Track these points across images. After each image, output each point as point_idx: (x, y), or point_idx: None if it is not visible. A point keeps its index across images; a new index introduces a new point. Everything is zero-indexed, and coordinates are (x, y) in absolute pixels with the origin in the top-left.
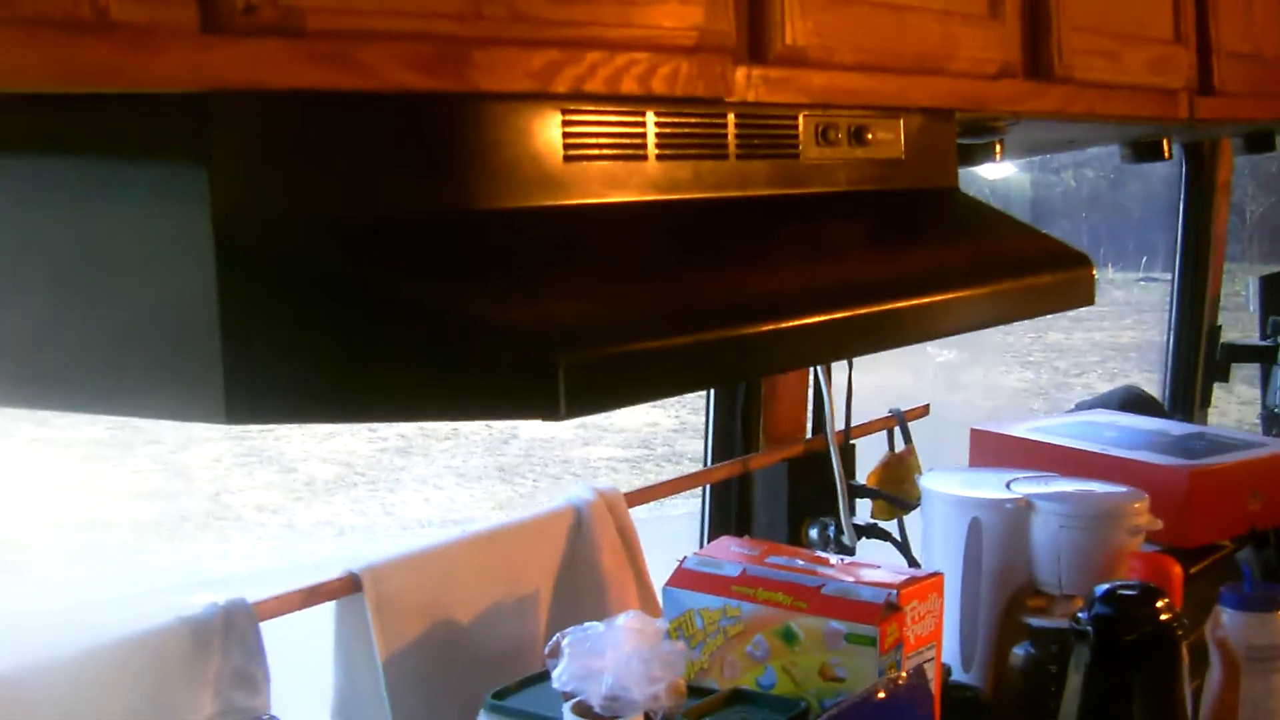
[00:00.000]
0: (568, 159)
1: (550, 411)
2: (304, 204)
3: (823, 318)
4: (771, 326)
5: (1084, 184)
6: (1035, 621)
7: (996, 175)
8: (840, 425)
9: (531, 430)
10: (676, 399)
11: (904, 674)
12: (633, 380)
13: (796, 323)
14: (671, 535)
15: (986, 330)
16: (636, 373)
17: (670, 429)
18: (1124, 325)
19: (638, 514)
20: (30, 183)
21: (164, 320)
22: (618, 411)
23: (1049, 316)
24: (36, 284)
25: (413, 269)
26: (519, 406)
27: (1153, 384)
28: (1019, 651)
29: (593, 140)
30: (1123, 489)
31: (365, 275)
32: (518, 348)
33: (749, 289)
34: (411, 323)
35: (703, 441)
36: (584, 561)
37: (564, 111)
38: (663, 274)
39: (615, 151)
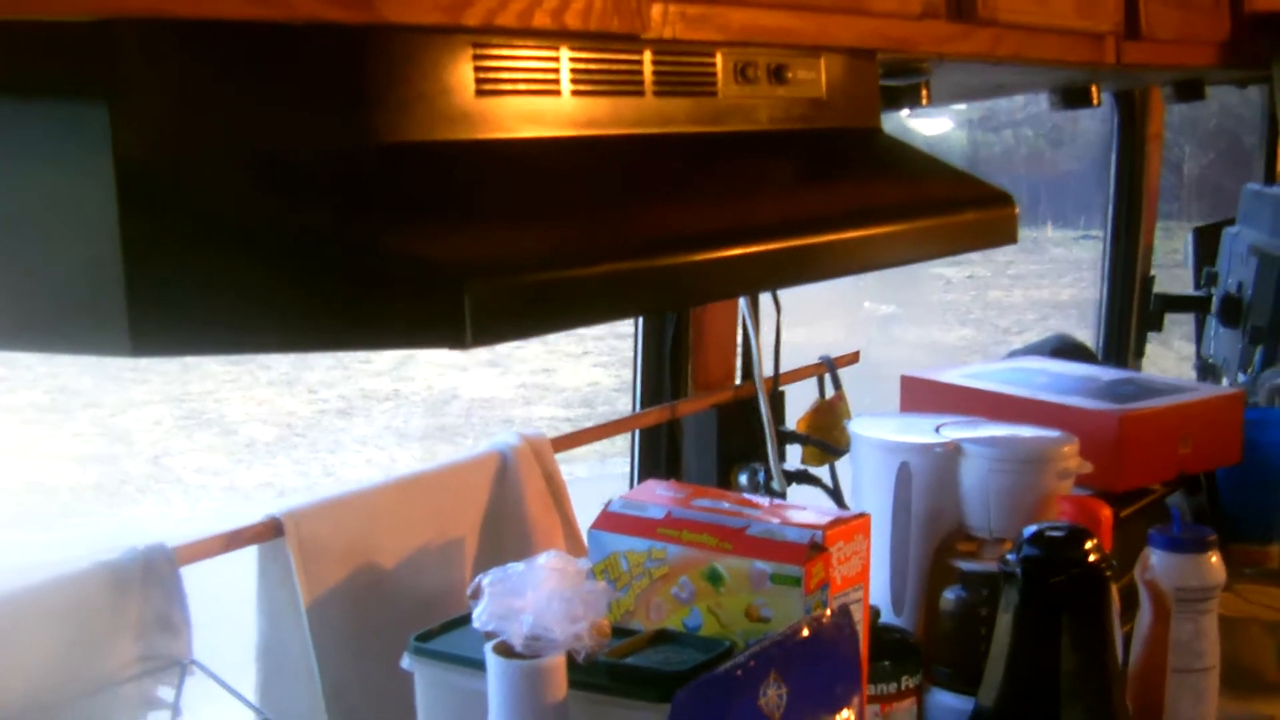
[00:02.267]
0: (480, 93)
1: (457, 339)
2: (209, 137)
3: (740, 250)
4: (685, 258)
5: (1023, 142)
6: (965, 565)
7: (934, 132)
8: (769, 372)
9: (472, 390)
10: (617, 359)
11: (828, 612)
12: (540, 309)
13: (712, 255)
14: (612, 493)
15: (926, 287)
16: (543, 302)
17: (611, 388)
18: (1063, 283)
19: (578, 472)
20: None
21: (68, 255)
22: (558, 371)
23: (989, 275)
24: None
25: (320, 201)
26: (426, 335)
27: (1091, 341)
28: (949, 595)
29: (505, 75)
30: (1052, 433)
31: (270, 207)
32: (424, 275)
33: (664, 222)
34: (318, 253)
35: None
36: (510, 506)
37: (475, 45)
38: (575, 207)
39: (528, 87)
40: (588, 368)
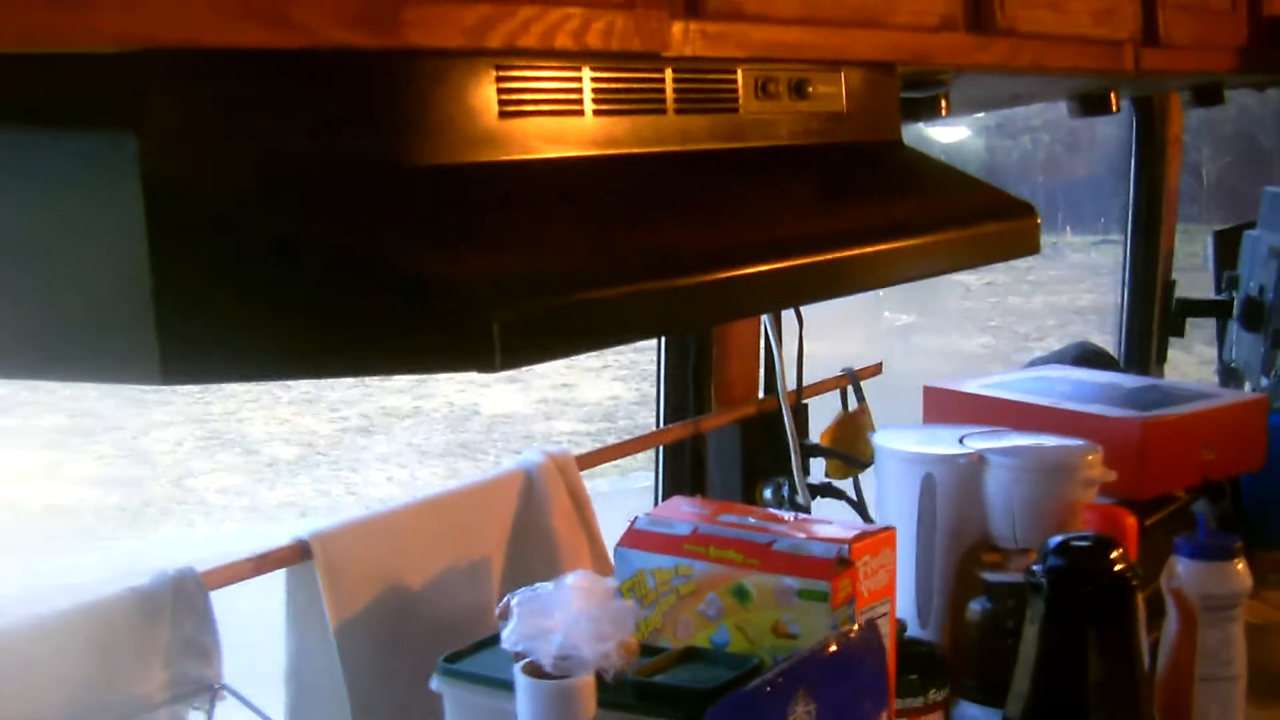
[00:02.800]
0: (503, 115)
1: (486, 363)
2: (236, 164)
3: (763, 268)
4: (709, 277)
5: (1040, 148)
6: (991, 576)
7: (951, 139)
8: (792, 385)
9: (493, 406)
10: (637, 372)
11: (856, 627)
12: (567, 331)
13: (735, 273)
14: (634, 508)
15: (945, 295)
16: (570, 324)
17: (631, 401)
18: (1083, 288)
19: (600, 486)
20: None
21: (98, 284)
22: (579, 385)
23: (1008, 281)
24: None
25: (347, 226)
26: (455, 359)
27: (1111, 346)
28: (975, 606)
29: (528, 96)
30: (1075, 441)
31: (299, 233)
32: (452, 300)
33: (687, 241)
34: (346, 279)
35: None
36: (536, 524)
37: (498, 68)
38: (600, 227)
39: (551, 108)
40: (608, 382)
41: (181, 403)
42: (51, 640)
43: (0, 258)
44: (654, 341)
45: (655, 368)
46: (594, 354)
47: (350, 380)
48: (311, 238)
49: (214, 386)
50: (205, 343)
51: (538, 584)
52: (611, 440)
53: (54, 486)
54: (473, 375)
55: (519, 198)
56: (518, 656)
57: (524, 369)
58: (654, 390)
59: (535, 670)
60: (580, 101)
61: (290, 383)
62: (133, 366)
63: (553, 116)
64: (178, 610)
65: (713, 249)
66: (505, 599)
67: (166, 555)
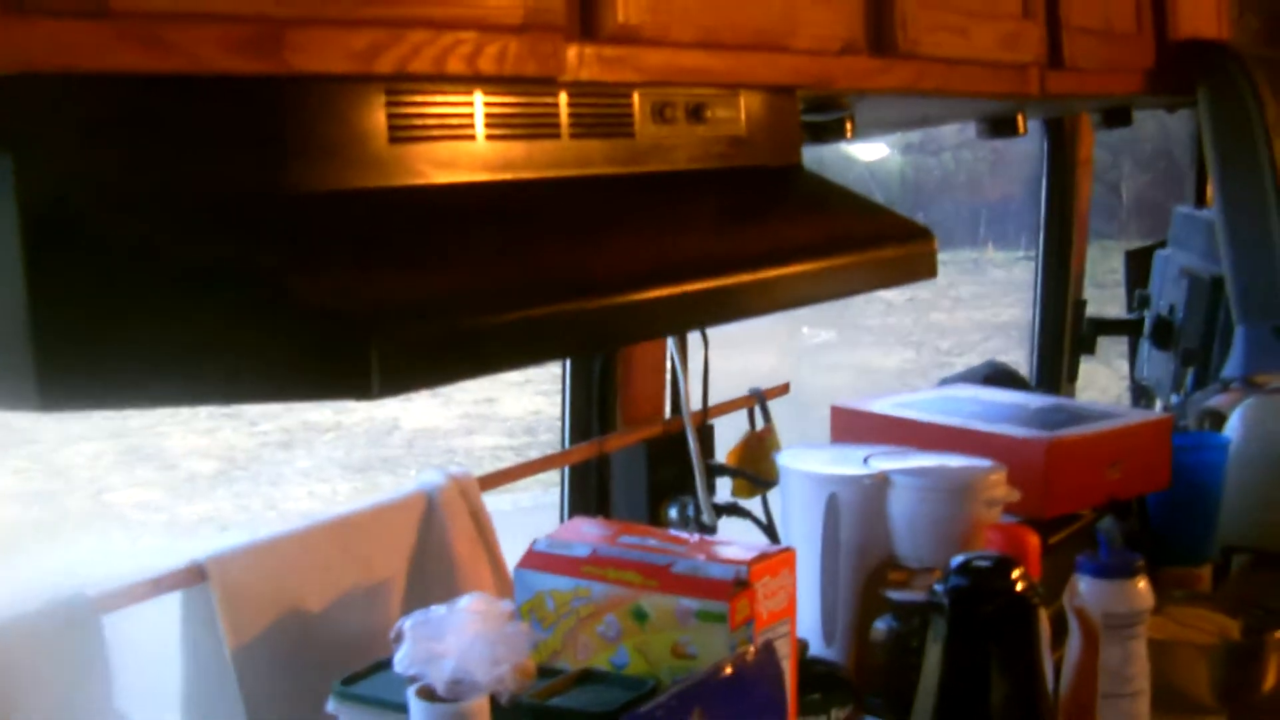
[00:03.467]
0: (393, 140)
1: (363, 390)
2: (117, 188)
3: (659, 293)
4: (601, 302)
5: (961, 165)
6: (895, 595)
7: (872, 157)
8: (697, 405)
9: (414, 420)
10: (560, 387)
11: (752, 648)
12: (450, 358)
13: (629, 298)
14: (550, 524)
15: (865, 311)
16: (453, 350)
17: (554, 416)
18: (1005, 304)
19: (521, 501)
20: None
21: None
22: (501, 400)
23: (930, 297)
24: None
25: (230, 252)
26: (333, 386)
27: (1025, 363)
28: (880, 626)
29: (419, 121)
30: (980, 461)
31: (178, 259)
32: (330, 327)
33: (579, 266)
34: (226, 304)
35: None
36: (437, 547)
37: (389, 92)
38: (490, 253)
39: (443, 133)
40: (530, 396)
41: (99, 417)
42: None
43: None
44: (563, 363)
45: (562, 388)
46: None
47: None
48: (192, 264)
49: None
50: (82, 369)
51: (432, 607)
52: (534, 454)
53: None
54: None
55: (408, 223)
56: (411, 680)
57: (433, 389)
58: (561, 412)
59: (428, 694)
60: (472, 126)
61: None
62: (10, 393)
63: (444, 141)
64: (70, 635)
65: (608, 273)
66: (400, 622)
67: (83, 570)
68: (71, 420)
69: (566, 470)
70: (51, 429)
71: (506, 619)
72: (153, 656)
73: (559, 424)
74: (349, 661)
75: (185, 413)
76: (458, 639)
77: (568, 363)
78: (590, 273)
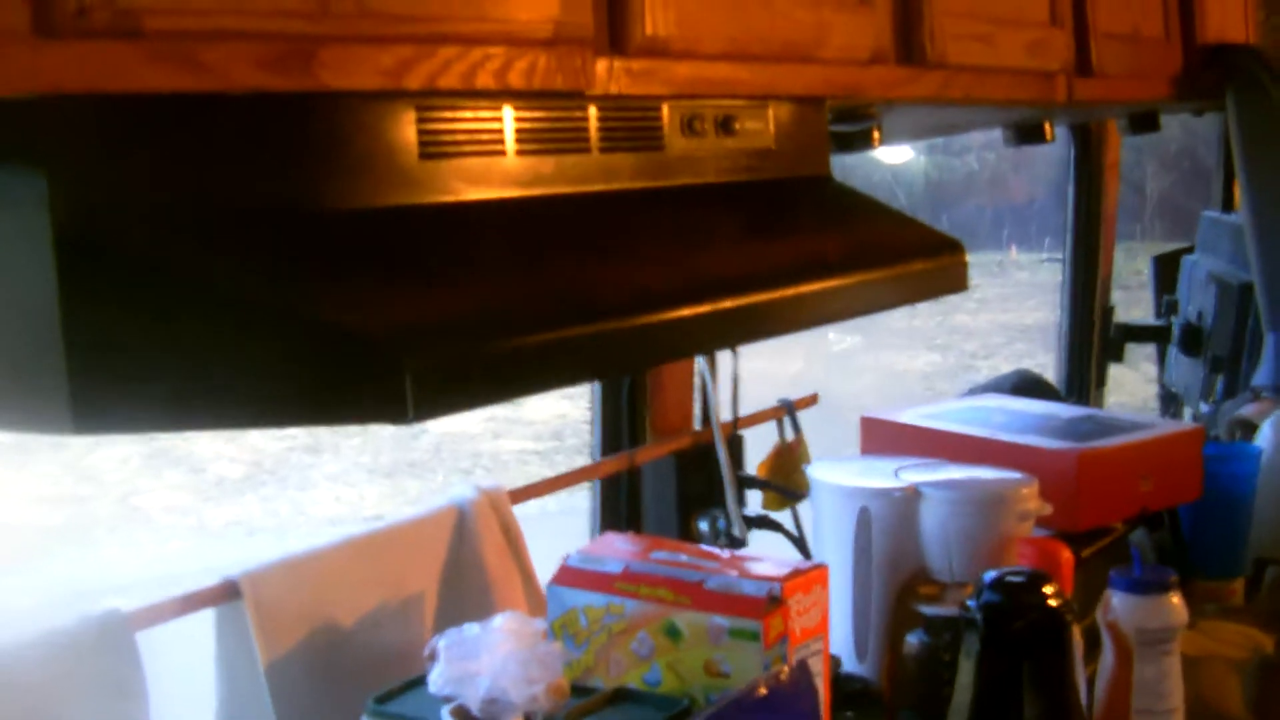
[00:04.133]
0: (424, 156)
1: (399, 415)
2: (152, 208)
3: (690, 311)
4: (634, 322)
5: (986, 167)
6: (927, 610)
7: (897, 160)
8: (727, 416)
9: (441, 425)
10: (586, 390)
11: (786, 668)
12: (485, 380)
13: (661, 317)
14: (577, 527)
15: (891, 314)
16: (488, 373)
17: (580, 420)
18: (1029, 306)
19: (548, 505)
20: None
21: (6, 330)
22: (527, 404)
23: (955, 299)
24: None
25: (262, 272)
26: (367, 411)
27: (1055, 365)
28: (912, 640)
29: (449, 137)
30: (1011, 474)
31: (212, 280)
32: (364, 350)
33: (612, 284)
34: (260, 327)
35: None
36: (468, 561)
37: (419, 108)
38: (522, 271)
39: (473, 148)
40: (556, 400)
41: None
42: None
43: None
44: None
45: (592, 402)
46: None
47: None
48: (226, 286)
49: None
50: (115, 392)
51: (465, 625)
52: (560, 459)
53: None
54: None
55: (439, 241)
56: (446, 699)
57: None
58: (590, 425)
59: (463, 714)
60: (502, 142)
61: None
62: (45, 416)
63: (475, 157)
64: (104, 652)
65: (638, 293)
66: (432, 641)
67: (112, 575)
68: None
69: (597, 483)
70: (72, 441)
71: (539, 638)
72: (188, 672)
73: (585, 428)
74: (382, 677)
75: None
76: (491, 658)
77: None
78: (622, 292)
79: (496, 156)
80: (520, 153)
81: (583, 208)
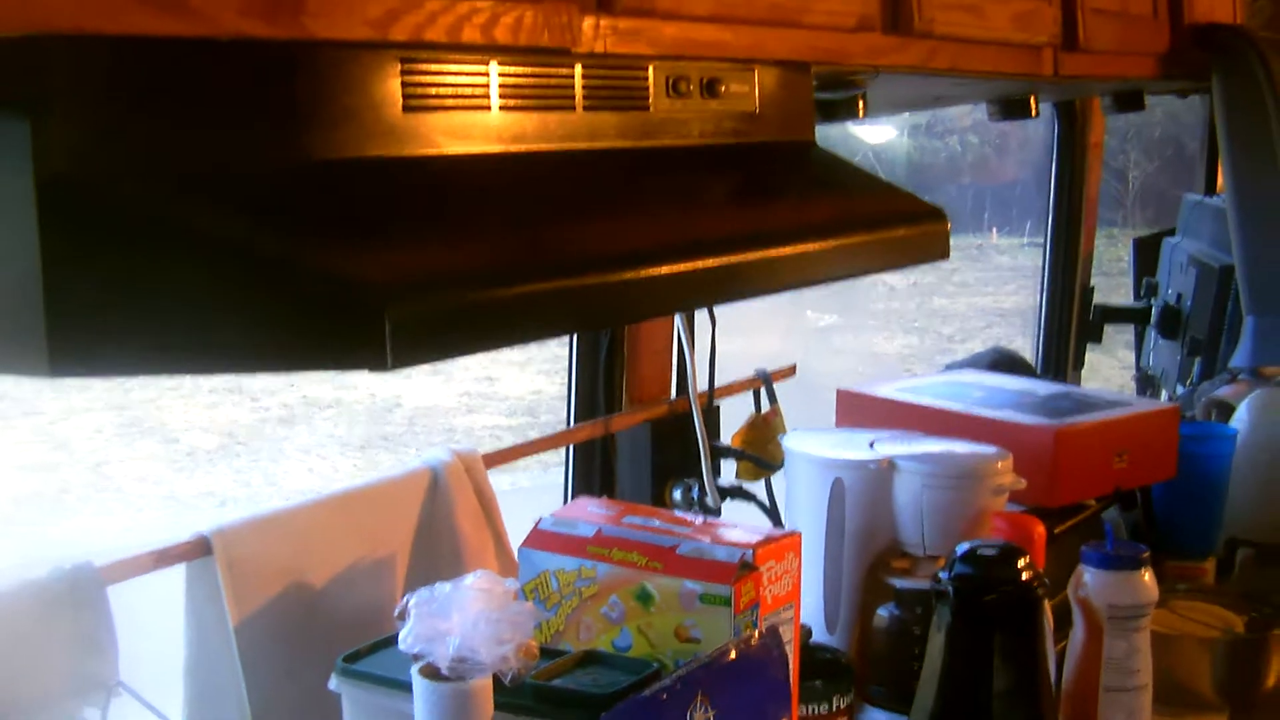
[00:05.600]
0: (407, 109)
1: (378, 362)
2: (134, 153)
3: (670, 268)
4: (612, 277)
5: (968, 149)
6: (899, 582)
7: (879, 140)
8: (703, 386)
9: (415, 399)
10: (561, 367)
11: (756, 633)
12: (464, 330)
13: (641, 273)
14: (552, 504)
15: (869, 296)
16: (467, 323)
17: (554, 396)
18: (1008, 290)
19: (520, 481)
20: None
21: None
22: (501, 379)
23: (933, 282)
24: None
25: (242, 219)
26: (347, 357)
27: (1031, 351)
28: (883, 613)
29: (434, 90)
30: (986, 448)
31: (193, 225)
32: (345, 297)
33: (593, 239)
34: (240, 272)
35: None
36: (442, 524)
37: (403, 60)
38: (503, 224)
39: (457, 102)
40: (531, 376)
41: (100, 389)
42: None
43: None
44: (569, 341)
45: (567, 367)
46: (517, 348)
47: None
48: (206, 230)
49: None
50: (94, 336)
51: (437, 584)
52: (534, 434)
53: None
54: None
55: (421, 193)
56: (415, 658)
57: (447, 362)
58: (566, 391)
59: (432, 672)
60: (487, 97)
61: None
62: (20, 358)
63: (459, 111)
64: (75, 604)
65: (619, 248)
66: (404, 599)
67: (84, 542)
68: (73, 392)
69: (571, 449)
70: (53, 401)
71: (511, 598)
72: (158, 628)
73: (559, 405)
74: (352, 637)
75: (187, 387)
76: (462, 617)
77: (574, 341)
78: (602, 247)
79: (480, 111)
80: (504, 108)
81: (566, 165)
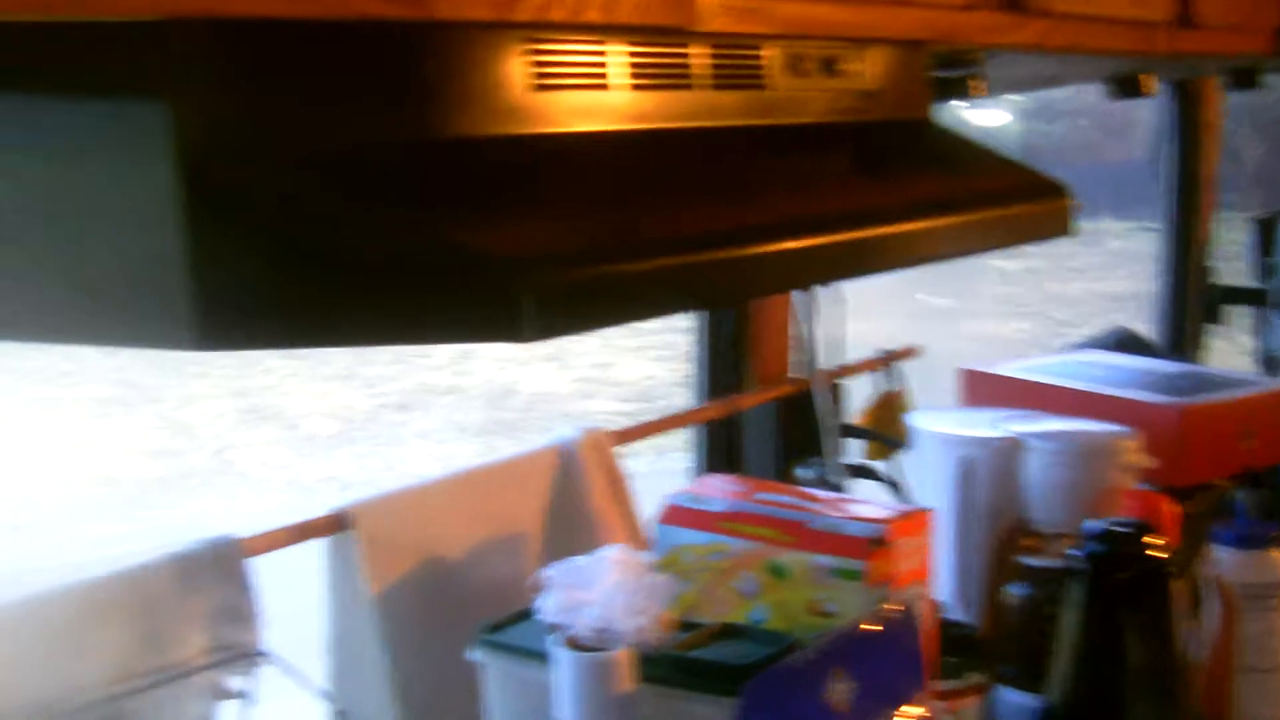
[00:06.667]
0: (534, 88)
1: (514, 334)
2: (267, 133)
3: (793, 244)
4: (738, 252)
5: (1078, 133)
6: (1029, 561)
7: (989, 123)
8: (829, 365)
9: (531, 385)
10: (675, 353)
11: (892, 608)
12: (597, 304)
13: (765, 248)
14: (669, 489)
15: (981, 280)
16: (601, 296)
17: (668, 382)
18: (1120, 275)
19: (637, 467)
20: None
21: (134, 251)
22: (616, 365)
23: (1047, 267)
24: None
25: (378, 196)
26: (485, 329)
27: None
28: (1014, 591)
29: (557, 70)
30: (1113, 426)
31: (330, 202)
32: (483, 270)
33: (718, 216)
34: (378, 247)
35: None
36: (572, 500)
37: (528, 40)
38: (630, 201)
39: (580, 81)
40: (645, 362)
41: (221, 376)
42: (93, 605)
43: (36, 223)
44: (692, 322)
45: (692, 347)
46: (630, 334)
47: (388, 356)
48: (343, 207)
49: (252, 359)
50: (238, 310)
51: (574, 557)
52: (648, 420)
53: (98, 456)
54: (512, 352)
55: (549, 171)
56: (555, 629)
57: (562, 348)
58: (691, 371)
59: (573, 642)
60: (609, 75)
61: (328, 358)
62: (168, 333)
63: (581, 90)
64: (217, 576)
65: (743, 224)
66: (542, 571)
67: (210, 525)
68: (194, 379)
69: (696, 430)
70: (175, 387)
71: (648, 570)
72: (298, 603)
73: (673, 391)
74: (487, 611)
75: (305, 373)
76: (601, 588)
77: (701, 322)
78: (730, 223)
79: (602, 91)
80: (625, 87)
81: (688, 143)
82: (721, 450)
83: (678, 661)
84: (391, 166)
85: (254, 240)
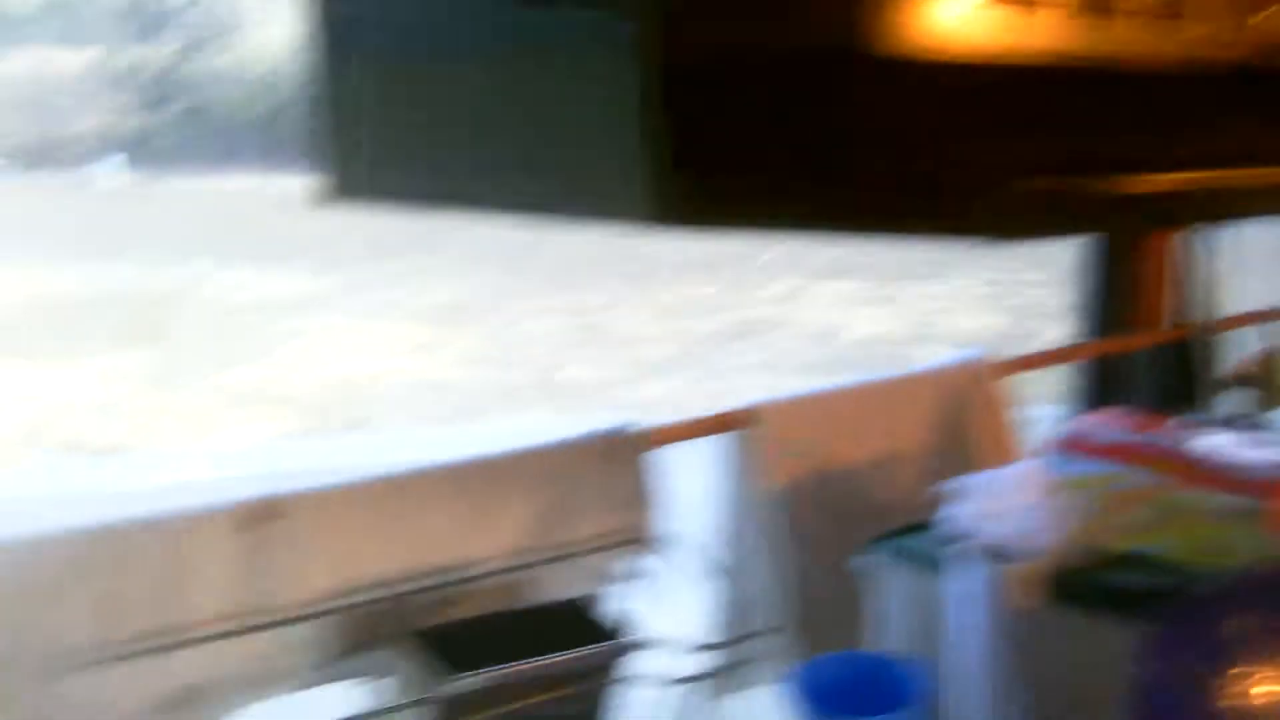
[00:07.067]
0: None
1: (979, 236)
2: (721, 46)
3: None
4: (1146, 185)
5: None
6: None
7: None
8: (1208, 315)
9: (863, 327)
10: (1014, 306)
11: None
12: (1045, 216)
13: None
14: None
15: None
16: (1058, 209)
17: (1004, 334)
18: None
19: None
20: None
21: (603, 138)
22: (953, 312)
23: None
24: (470, 90)
25: (869, 101)
26: (954, 232)
27: None
28: None
29: None
30: None
31: (792, 111)
32: (946, 180)
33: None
34: (877, 148)
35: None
36: (959, 421)
37: None
38: (1074, 124)
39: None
40: (984, 312)
41: (555, 294)
42: (507, 475)
43: (514, 111)
44: (1040, 275)
45: (1041, 305)
46: (974, 283)
47: (721, 286)
48: (835, 107)
49: (591, 281)
50: (702, 192)
51: (979, 471)
52: None
53: (431, 363)
54: (845, 294)
55: (997, 89)
56: (958, 539)
57: (895, 292)
58: (1031, 324)
59: (988, 551)
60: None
61: (664, 284)
62: (628, 205)
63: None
64: (619, 461)
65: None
66: (947, 483)
67: (542, 436)
68: (530, 296)
69: (1075, 370)
70: (511, 302)
71: (1054, 490)
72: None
73: (1010, 341)
74: (872, 519)
75: (637, 299)
76: (1009, 503)
77: (1084, 264)
78: (1137, 155)
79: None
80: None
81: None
82: (1097, 393)
83: (1089, 583)
84: (828, 81)
85: (714, 135)
